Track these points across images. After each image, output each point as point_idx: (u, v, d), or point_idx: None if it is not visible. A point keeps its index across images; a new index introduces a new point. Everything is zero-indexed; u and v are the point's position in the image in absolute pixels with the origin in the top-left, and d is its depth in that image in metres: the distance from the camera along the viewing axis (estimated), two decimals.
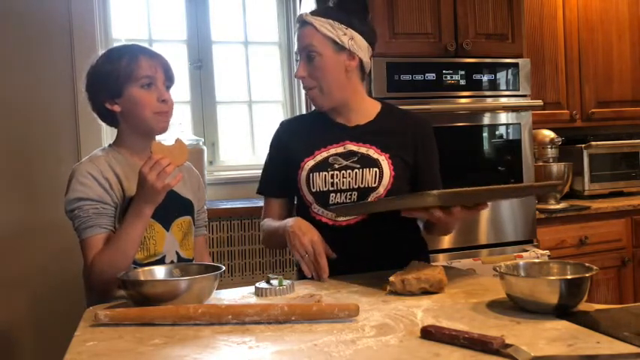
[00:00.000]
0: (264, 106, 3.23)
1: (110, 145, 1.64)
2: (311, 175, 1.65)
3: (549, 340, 0.98)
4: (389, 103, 1.79)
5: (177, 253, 1.62)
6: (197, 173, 1.81)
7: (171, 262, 1.59)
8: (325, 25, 1.62)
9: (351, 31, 1.63)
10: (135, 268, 1.49)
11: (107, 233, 1.51)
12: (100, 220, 1.51)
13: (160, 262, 1.57)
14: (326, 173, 1.64)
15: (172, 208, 1.61)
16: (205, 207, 1.83)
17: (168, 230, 1.60)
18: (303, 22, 1.65)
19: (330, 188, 1.63)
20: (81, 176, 1.53)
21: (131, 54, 1.58)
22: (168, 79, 1.61)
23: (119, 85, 1.55)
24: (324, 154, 1.66)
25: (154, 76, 1.56)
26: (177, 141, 1.49)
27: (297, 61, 1.70)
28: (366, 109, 1.72)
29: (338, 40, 1.62)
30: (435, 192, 1.29)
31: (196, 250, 1.73)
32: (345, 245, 1.58)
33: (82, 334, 1.14)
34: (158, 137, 1.61)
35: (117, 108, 1.57)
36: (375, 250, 1.63)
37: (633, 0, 3.42)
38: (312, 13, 1.66)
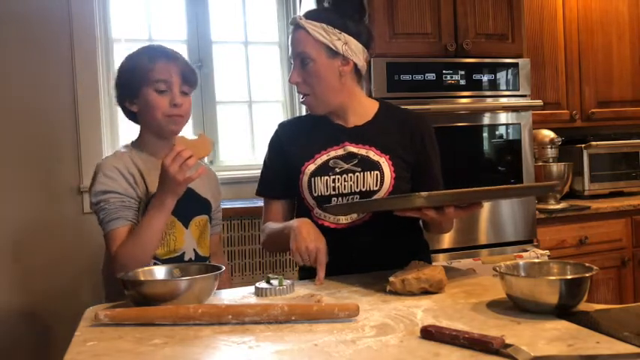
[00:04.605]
0: (264, 106, 3.23)
1: (133, 143, 1.68)
2: (312, 179, 1.63)
3: (549, 340, 0.98)
4: (387, 102, 1.77)
5: (194, 250, 1.64)
6: (214, 174, 1.85)
7: (190, 259, 1.62)
8: (318, 30, 1.58)
9: (345, 36, 1.59)
10: (155, 263, 1.52)
11: (132, 226, 1.53)
12: (125, 213, 1.53)
13: (180, 258, 1.60)
14: (327, 177, 1.62)
15: (191, 206, 1.64)
16: (220, 207, 1.85)
17: (187, 228, 1.63)
18: (296, 25, 1.62)
19: (332, 192, 1.61)
20: (107, 170, 1.56)
21: (149, 55, 1.60)
22: (186, 83, 1.62)
23: (136, 85, 1.58)
24: (324, 158, 1.65)
25: (170, 80, 1.58)
26: (201, 135, 1.53)
27: (291, 64, 1.68)
28: (364, 110, 1.70)
29: (332, 46, 1.58)
30: (424, 193, 1.29)
31: (211, 247, 1.75)
32: (347, 247, 1.58)
33: (82, 334, 1.14)
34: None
35: (135, 108, 1.62)
36: (377, 252, 1.62)
37: (633, 1, 3.42)
38: (306, 15, 1.62)
